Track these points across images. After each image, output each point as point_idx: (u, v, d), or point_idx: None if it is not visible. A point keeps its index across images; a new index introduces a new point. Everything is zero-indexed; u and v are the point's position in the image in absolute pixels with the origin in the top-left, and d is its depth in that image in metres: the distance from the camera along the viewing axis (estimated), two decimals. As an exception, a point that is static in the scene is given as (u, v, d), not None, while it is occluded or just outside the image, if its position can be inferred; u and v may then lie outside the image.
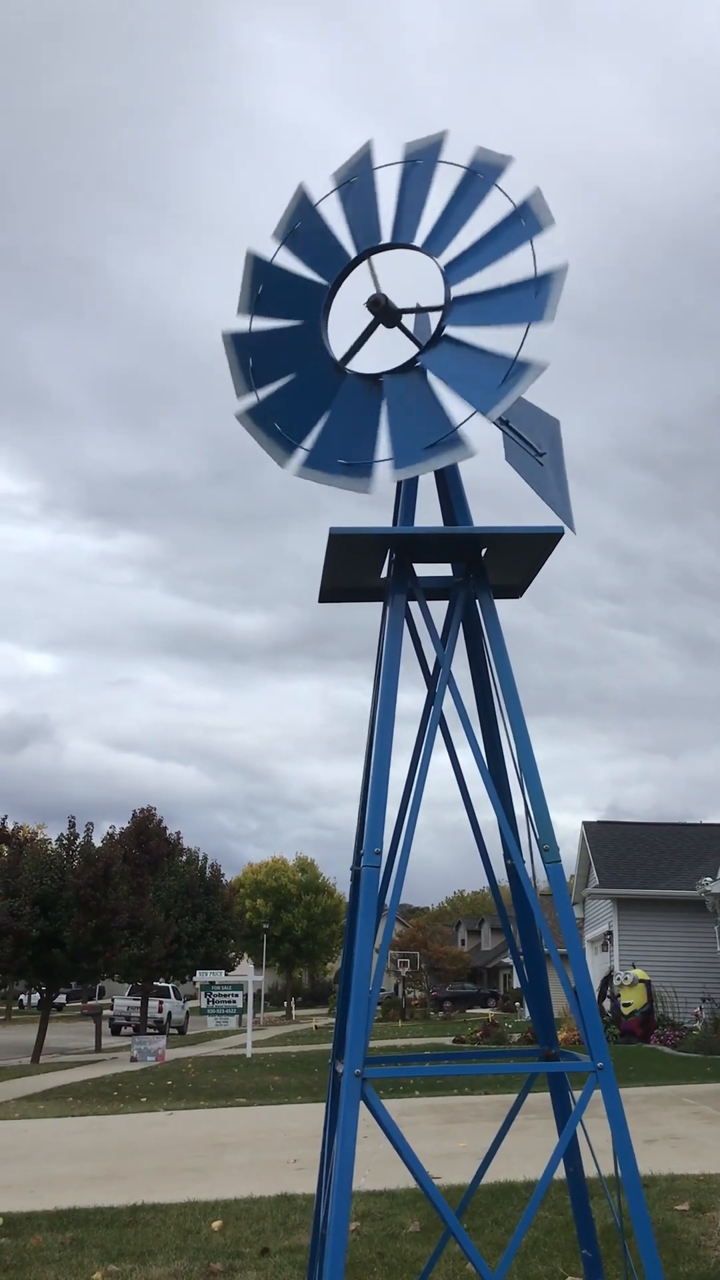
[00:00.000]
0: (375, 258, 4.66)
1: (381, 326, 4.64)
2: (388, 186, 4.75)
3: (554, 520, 4.36)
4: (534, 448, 4.61)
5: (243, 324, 4.68)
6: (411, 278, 4.64)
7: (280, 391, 4.58)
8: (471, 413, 4.16)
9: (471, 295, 4.44)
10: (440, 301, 4.52)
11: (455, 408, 4.27)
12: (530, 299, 4.20)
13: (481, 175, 4.52)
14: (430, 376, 4.42)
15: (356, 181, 4.81)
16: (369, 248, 4.68)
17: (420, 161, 4.73)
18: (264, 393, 4.56)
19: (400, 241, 4.63)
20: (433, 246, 4.54)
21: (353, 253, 4.69)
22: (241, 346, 4.66)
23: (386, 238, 4.66)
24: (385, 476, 4.17)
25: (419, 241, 4.58)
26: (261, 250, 4.77)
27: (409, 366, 4.49)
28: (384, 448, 4.26)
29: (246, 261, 4.76)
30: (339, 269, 4.68)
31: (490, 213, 4.44)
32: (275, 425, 4.46)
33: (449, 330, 4.45)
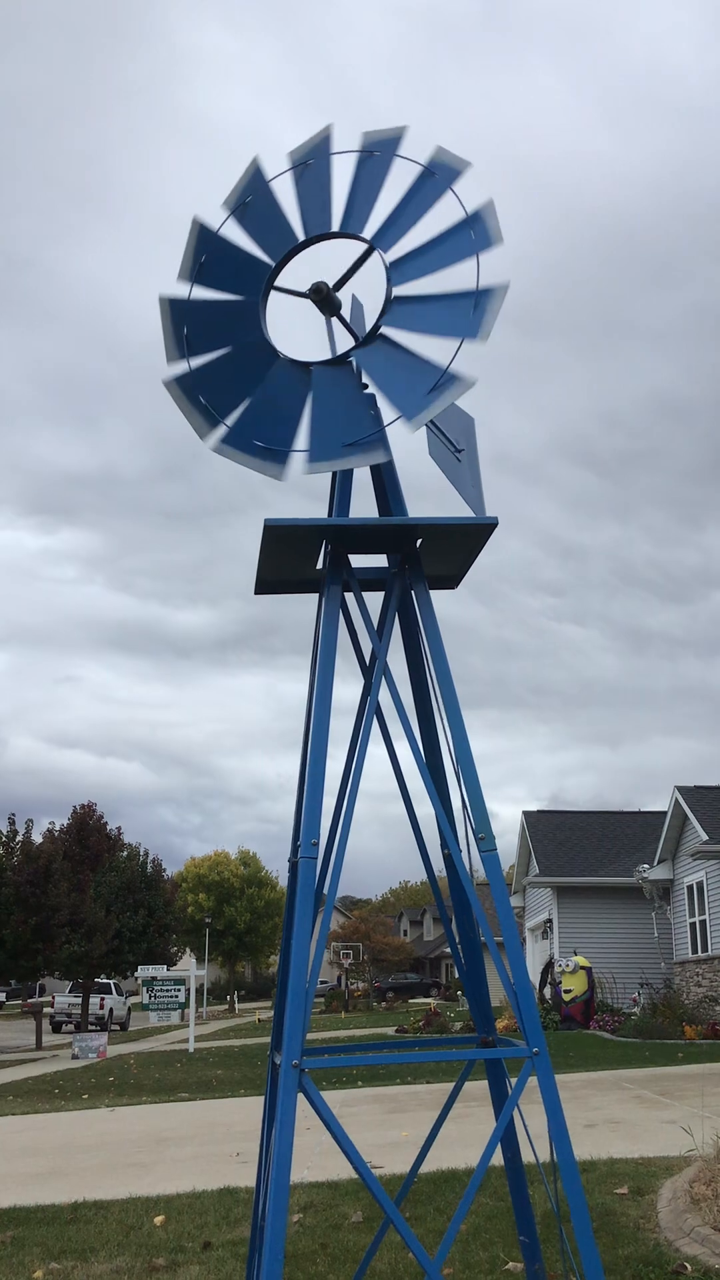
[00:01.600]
0: (322, 245, 4.65)
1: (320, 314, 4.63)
2: (342, 174, 4.72)
3: (491, 503, 4.39)
4: (453, 444, 4.64)
5: (182, 290, 4.62)
6: (338, 269, 4.63)
7: (211, 364, 4.53)
8: (395, 418, 4.17)
9: (411, 297, 4.43)
10: (380, 297, 4.51)
11: (379, 409, 4.28)
12: (468, 313, 4.19)
13: (438, 176, 4.50)
14: (360, 374, 4.42)
15: (312, 164, 4.78)
16: (318, 233, 4.66)
17: (378, 153, 4.70)
18: (196, 362, 4.51)
19: (349, 231, 4.60)
20: (380, 241, 4.52)
21: (301, 235, 4.66)
22: (178, 313, 4.61)
23: (336, 225, 4.64)
24: (299, 468, 4.16)
25: (367, 234, 4.56)
26: (210, 219, 4.71)
27: (341, 360, 4.48)
28: (303, 438, 4.26)
29: (192, 228, 4.70)
30: (286, 249, 4.65)
31: (441, 216, 4.43)
32: (201, 397, 4.43)
33: (384, 329, 4.44)
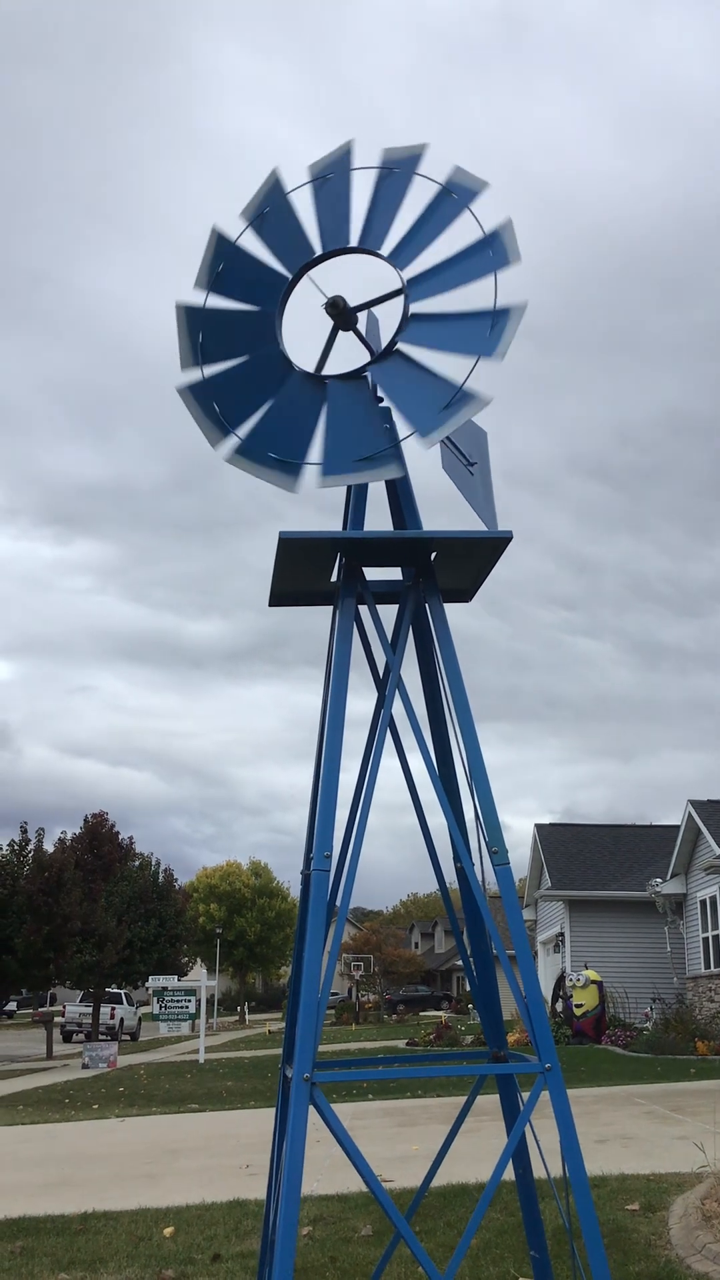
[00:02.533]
0: (340, 260, 4.67)
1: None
2: (362, 190, 4.74)
3: (505, 517, 4.40)
4: (465, 458, 4.65)
5: (198, 299, 4.64)
6: (372, 285, 4.66)
7: (226, 373, 4.54)
8: (409, 434, 4.18)
9: (429, 315, 4.45)
10: (398, 314, 4.53)
11: (394, 424, 4.30)
12: (485, 332, 4.21)
13: (456, 195, 4.51)
14: (375, 389, 4.43)
15: (332, 179, 4.80)
16: (336, 248, 4.67)
17: (397, 170, 4.71)
18: (210, 371, 4.52)
19: (366, 247, 4.62)
20: (398, 259, 4.54)
21: (319, 249, 4.68)
22: (194, 320, 4.62)
23: (354, 241, 4.65)
24: (312, 481, 4.17)
25: (385, 251, 4.58)
26: (228, 229, 4.74)
27: (356, 375, 4.50)
28: (317, 451, 4.27)
29: (210, 237, 4.72)
30: (302, 262, 4.67)
31: (458, 235, 4.44)
32: (215, 406, 4.44)
33: (401, 346, 4.45)
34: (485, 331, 4.20)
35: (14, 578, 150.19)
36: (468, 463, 4.63)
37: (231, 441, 4.35)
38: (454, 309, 4.40)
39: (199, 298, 4.66)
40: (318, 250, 4.68)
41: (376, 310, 4.78)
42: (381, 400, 4.42)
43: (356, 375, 4.50)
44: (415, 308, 4.46)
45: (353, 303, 4.62)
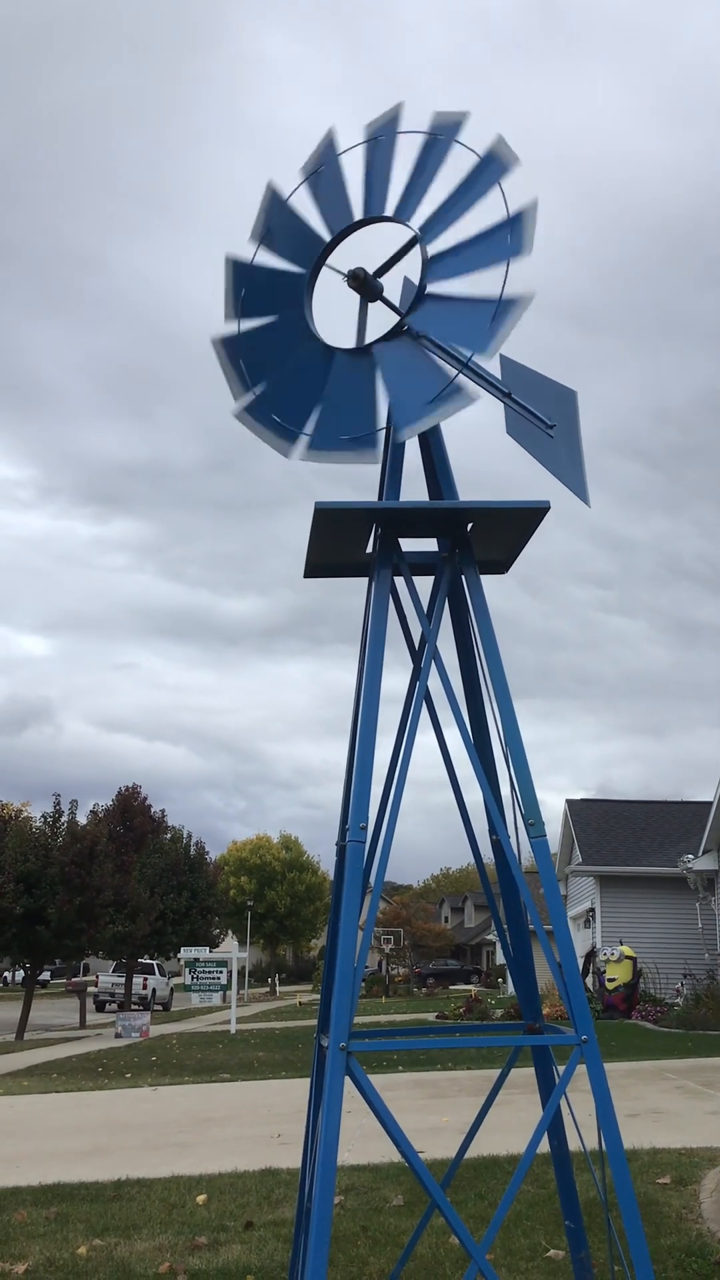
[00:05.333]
0: (355, 236, 4.63)
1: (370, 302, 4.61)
2: (355, 168, 4.70)
3: (546, 495, 4.34)
4: (542, 420, 4.55)
5: (231, 328, 4.65)
6: (388, 251, 4.61)
7: (274, 384, 4.55)
8: (470, 355, 4.14)
9: (448, 250, 4.40)
10: (418, 266, 4.49)
11: (449, 361, 4.26)
12: (505, 239, 4.17)
13: (441, 137, 4.48)
14: (419, 335, 4.39)
15: (324, 170, 4.77)
16: (343, 228, 4.64)
17: (381, 138, 4.68)
18: (259, 389, 4.54)
19: (372, 215, 4.58)
20: (403, 213, 4.50)
21: (327, 237, 4.66)
22: (232, 349, 4.63)
23: (358, 215, 4.62)
24: (393, 441, 4.15)
25: (389, 211, 4.54)
26: (242, 253, 4.72)
27: (396, 332, 4.46)
28: (384, 414, 4.27)
29: (226, 267, 4.70)
30: (342, 226, 4.65)
31: (456, 169, 4.41)
32: (274, 417, 4.45)
33: (432, 288, 4.41)
34: (506, 238, 4.16)
35: (53, 556, 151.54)
36: (546, 425, 4.54)
37: (302, 442, 4.36)
38: (466, 292, 4.35)
39: (231, 327, 4.66)
40: (326, 240, 4.65)
41: (401, 271, 4.74)
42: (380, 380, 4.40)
43: (365, 351, 4.47)
44: (432, 248, 4.41)
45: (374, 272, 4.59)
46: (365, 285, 4.54)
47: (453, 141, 4.51)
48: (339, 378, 4.47)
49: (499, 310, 4.09)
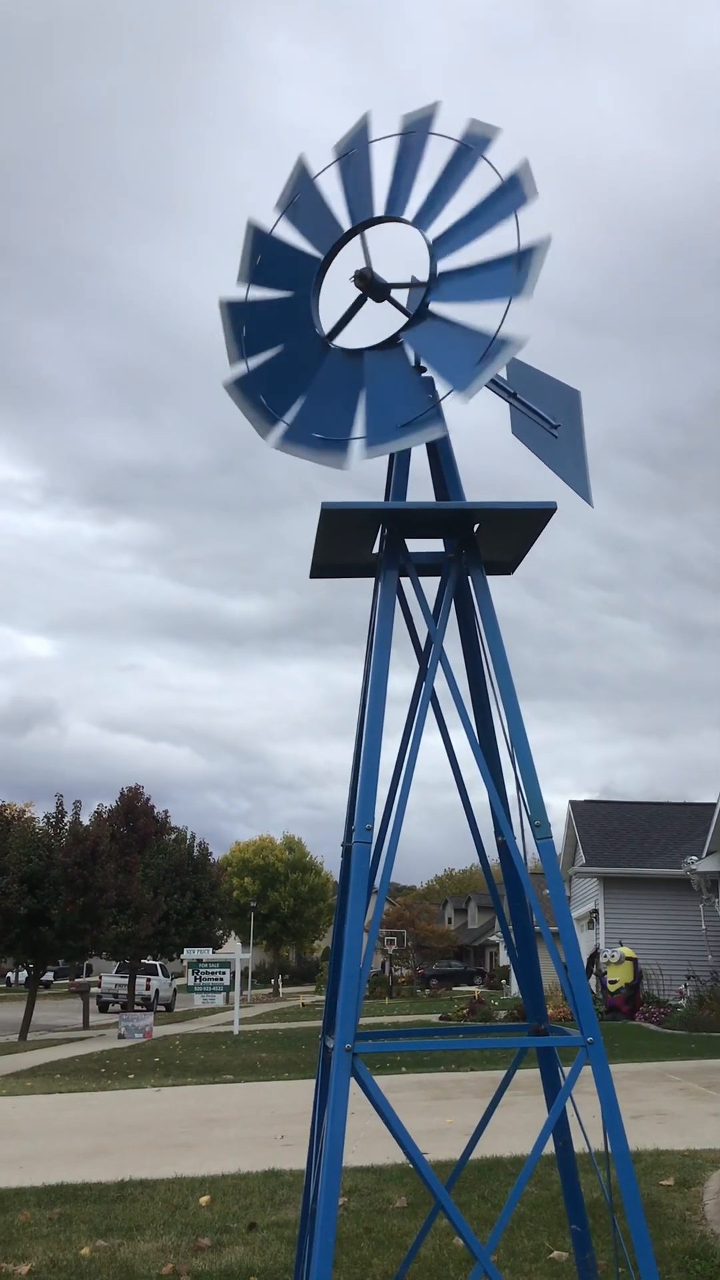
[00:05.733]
0: (371, 231, 4.62)
1: (370, 301, 4.60)
2: (384, 160, 4.69)
3: (553, 496, 4.33)
4: (546, 420, 4.54)
5: (240, 293, 4.64)
6: (407, 252, 4.60)
7: (268, 363, 4.54)
8: (448, 391, 4.13)
9: (457, 270, 4.39)
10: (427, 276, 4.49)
11: (433, 385, 4.25)
12: (511, 274, 4.15)
13: (473, 148, 4.47)
14: (410, 353, 4.39)
15: (355, 154, 4.76)
16: (362, 221, 4.63)
17: (415, 134, 4.67)
18: (254, 363, 4.53)
19: (392, 215, 4.57)
20: (422, 221, 4.48)
21: (347, 225, 4.64)
22: (237, 315, 4.63)
23: (380, 211, 4.61)
24: (358, 454, 4.14)
25: (410, 216, 4.52)
26: (264, 221, 4.73)
27: (391, 342, 4.46)
28: (360, 425, 4.24)
29: (247, 231, 4.72)
30: (333, 241, 4.64)
31: (478, 186, 4.37)
32: (260, 397, 4.43)
33: (433, 306, 4.41)
34: (511, 274, 4.14)
35: (58, 556, 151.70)
36: (550, 425, 4.53)
37: (279, 429, 4.34)
38: (480, 259, 4.34)
39: (240, 292, 4.66)
40: (346, 228, 4.64)
41: (414, 273, 4.73)
42: (419, 364, 4.38)
43: (392, 343, 4.46)
44: (443, 265, 4.40)
45: (390, 270, 4.58)
46: (371, 286, 4.54)
47: (428, 134, 4.51)
48: (328, 374, 4.46)
49: (489, 350, 4.08)
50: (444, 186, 4.49)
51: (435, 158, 4.58)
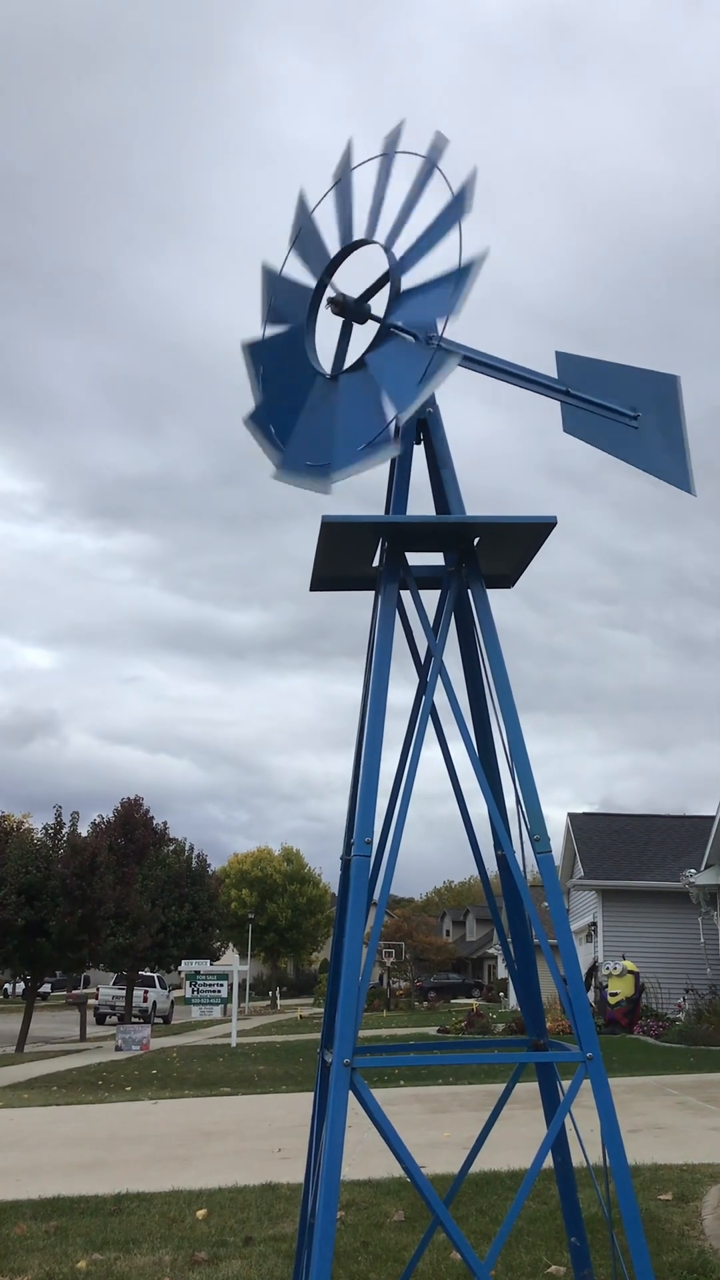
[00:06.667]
0: (362, 254, 4.65)
1: (356, 325, 4.62)
2: (368, 183, 4.72)
3: (548, 512, 4.34)
4: (622, 412, 4.47)
5: (259, 333, 4.75)
6: (379, 271, 4.62)
7: (274, 394, 4.61)
8: (393, 415, 4.15)
9: (413, 288, 4.41)
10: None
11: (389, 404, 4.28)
12: (448, 292, 4.17)
13: (436, 164, 4.45)
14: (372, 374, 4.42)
15: (341, 183, 4.80)
16: (345, 247, 4.66)
17: (387, 154, 4.69)
18: (265, 397, 4.60)
19: (369, 238, 4.59)
20: (391, 239, 4.51)
21: (332, 252, 4.69)
22: (256, 355, 4.73)
23: (360, 234, 4.63)
24: (332, 478, 4.19)
25: (381, 236, 4.55)
26: (276, 261, 4.80)
27: (359, 364, 4.49)
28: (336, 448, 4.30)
29: (261, 274, 4.83)
30: (324, 270, 4.69)
31: (435, 200, 4.39)
32: (271, 429, 4.48)
33: (393, 324, 4.42)
34: (449, 291, 4.15)
35: (59, 568, 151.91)
36: (628, 417, 4.46)
37: (280, 458, 4.41)
38: (430, 276, 4.35)
39: (259, 332, 4.76)
40: (359, 235, 4.67)
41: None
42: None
43: (359, 365, 4.48)
44: (406, 282, 4.42)
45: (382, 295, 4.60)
46: (345, 309, 4.56)
47: (395, 153, 4.52)
48: (315, 400, 4.52)
49: (458, 275, 4.10)
50: (409, 204, 4.51)
51: (407, 176, 4.59)
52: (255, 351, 4.75)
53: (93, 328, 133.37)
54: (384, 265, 4.53)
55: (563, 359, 4.72)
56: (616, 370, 4.66)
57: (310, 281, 4.73)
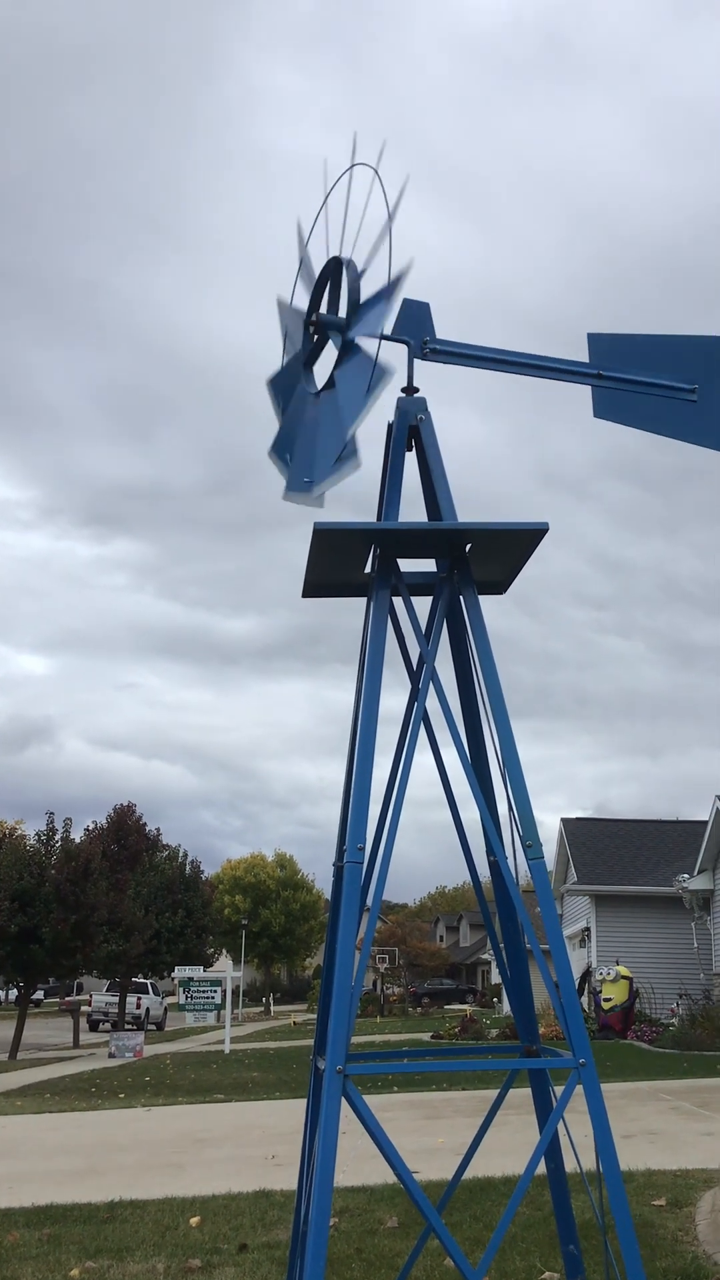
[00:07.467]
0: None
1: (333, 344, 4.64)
2: (357, 200, 4.71)
3: (540, 518, 4.34)
4: (676, 387, 4.35)
5: (279, 365, 4.79)
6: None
7: (289, 421, 4.64)
8: (346, 428, 4.16)
9: (367, 300, 4.40)
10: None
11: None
12: (384, 302, 4.21)
13: (370, 166, 4.43)
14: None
15: (324, 205, 4.80)
16: (326, 265, 4.64)
17: (373, 167, 4.67)
18: (282, 426, 4.63)
19: (340, 255, 4.58)
20: (352, 252, 4.52)
21: (316, 273, 4.70)
22: (275, 388, 4.77)
23: (336, 251, 4.62)
24: (315, 492, 4.22)
25: (345, 251, 4.55)
26: (285, 294, 4.84)
27: (330, 382, 4.50)
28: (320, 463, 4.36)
29: (277, 307, 4.84)
30: (312, 291, 4.70)
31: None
32: (287, 455, 4.50)
33: (356, 338, 4.42)
34: (385, 307, 4.19)
35: (53, 575, 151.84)
36: (686, 391, 4.34)
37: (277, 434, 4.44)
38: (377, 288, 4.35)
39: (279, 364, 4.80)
40: (315, 275, 4.68)
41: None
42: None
43: (331, 382, 4.49)
44: (365, 294, 4.41)
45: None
46: (322, 327, 4.57)
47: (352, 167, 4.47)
48: (309, 420, 4.56)
49: (372, 380, 4.14)
50: (363, 213, 4.48)
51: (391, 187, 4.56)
52: (275, 384, 4.78)
53: (86, 336, 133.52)
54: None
55: (596, 340, 4.60)
56: (663, 342, 4.53)
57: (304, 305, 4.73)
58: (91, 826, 41.91)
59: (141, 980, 49.28)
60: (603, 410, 4.68)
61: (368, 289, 4.38)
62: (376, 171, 4.32)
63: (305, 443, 4.49)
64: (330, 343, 4.56)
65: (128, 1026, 44.22)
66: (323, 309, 4.60)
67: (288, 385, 4.72)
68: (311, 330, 4.60)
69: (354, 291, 4.42)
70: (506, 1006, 44.66)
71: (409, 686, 4.69)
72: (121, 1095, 19.30)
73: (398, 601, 4.52)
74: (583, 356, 4.68)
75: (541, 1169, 4.42)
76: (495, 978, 63.24)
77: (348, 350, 4.42)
